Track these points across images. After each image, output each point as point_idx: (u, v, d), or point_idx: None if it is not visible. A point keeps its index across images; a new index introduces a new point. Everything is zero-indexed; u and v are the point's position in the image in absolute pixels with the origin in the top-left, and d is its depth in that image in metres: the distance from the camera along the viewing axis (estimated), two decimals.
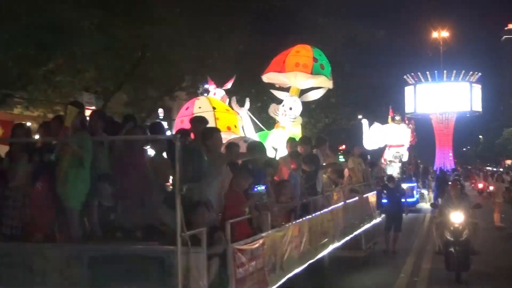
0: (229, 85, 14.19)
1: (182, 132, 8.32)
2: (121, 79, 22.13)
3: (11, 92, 19.49)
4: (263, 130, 14.56)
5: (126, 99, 23.87)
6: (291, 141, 11.67)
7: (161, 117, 27.56)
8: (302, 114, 14.36)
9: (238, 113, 13.24)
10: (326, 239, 11.15)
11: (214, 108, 12.26)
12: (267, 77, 14.38)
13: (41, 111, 20.85)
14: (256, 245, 7.75)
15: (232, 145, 9.33)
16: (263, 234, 8.10)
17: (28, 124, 17.26)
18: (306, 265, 9.73)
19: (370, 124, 31.55)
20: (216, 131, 8.62)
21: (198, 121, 8.88)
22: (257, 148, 9.73)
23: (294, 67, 13.64)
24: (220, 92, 13.73)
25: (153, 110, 25.87)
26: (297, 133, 13.63)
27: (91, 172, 7.36)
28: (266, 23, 26.34)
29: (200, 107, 12.33)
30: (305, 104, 14.98)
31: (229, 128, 12.00)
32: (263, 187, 8.61)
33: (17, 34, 16.23)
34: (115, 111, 20.80)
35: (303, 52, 13.91)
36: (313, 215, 10.55)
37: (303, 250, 9.74)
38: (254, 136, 13.06)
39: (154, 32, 19.55)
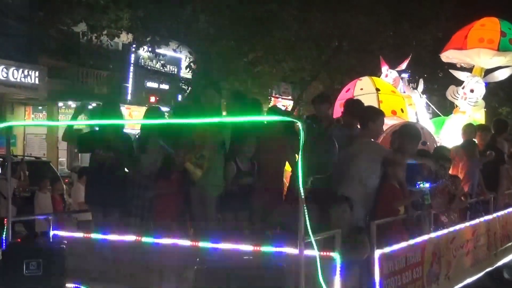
0: (403, 65, 12.97)
1: (310, 116, 7.54)
2: (318, 68, 22.75)
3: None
4: (439, 115, 13.24)
5: (322, 88, 24.16)
6: (466, 127, 9.99)
7: None
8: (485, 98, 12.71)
9: (411, 96, 11.96)
10: (510, 243, 9.72)
11: (377, 89, 10.91)
12: (446, 56, 12.91)
13: None
14: (413, 251, 6.58)
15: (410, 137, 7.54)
16: (423, 238, 6.88)
17: None
18: (481, 274, 8.46)
19: None
20: (381, 113, 7.30)
21: (352, 104, 7.91)
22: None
23: (477, 43, 12.08)
24: (393, 74, 12.44)
25: None
26: (479, 119, 12.01)
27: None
28: (470, 6, 24.44)
29: (361, 89, 11.04)
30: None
31: (394, 113, 10.56)
32: (427, 185, 6.91)
33: (222, 28, 17.40)
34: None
35: (489, 26, 12.28)
36: (495, 215, 9.18)
37: (479, 256, 8.48)
38: (428, 122, 11.66)
39: (352, 21, 19.53)
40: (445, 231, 7.48)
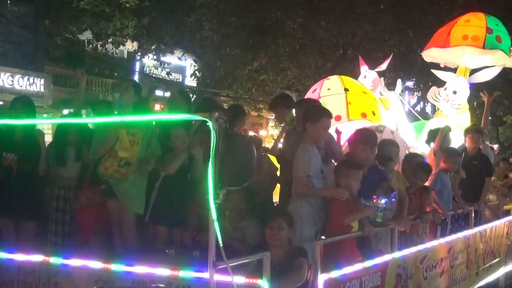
0: (384, 66, 11.83)
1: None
2: (322, 77, 22.52)
3: (218, 90, 21.10)
4: (418, 119, 12.42)
5: None
6: (430, 132, 9.18)
7: None
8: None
9: (388, 98, 10.97)
10: (494, 260, 9.14)
11: (346, 89, 9.76)
12: (428, 55, 11.78)
13: (245, 108, 22.27)
14: (370, 274, 5.68)
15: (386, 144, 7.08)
16: (383, 258, 6.02)
17: None
18: None
19: None
20: (324, 114, 6.07)
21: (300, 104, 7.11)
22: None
23: (461, 40, 10.91)
24: (372, 74, 11.33)
25: None
26: (464, 124, 10.74)
27: None
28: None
29: (329, 89, 9.82)
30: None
31: (364, 115, 9.45)
32: (383, 201, 5.90)
33: (227, 36, 17.47)
34: None
35: (474, 22, 11.16)
36: (476, 229, 8.43)
37: (456, 276, 7.70)
38: (407, 126, 10.90)
39: (357, 29, 19.45)
40: (413, 249, 6.64)
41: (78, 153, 6.68)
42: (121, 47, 21.14)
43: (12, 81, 20.50)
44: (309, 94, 10.12)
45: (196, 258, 5.65)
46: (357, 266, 5.52)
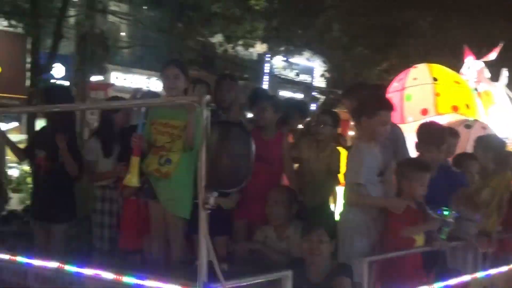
0: (492, 55, 10.42)
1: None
2: None
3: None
4: None
5: None
6: None
7: None
8: None
9: (491, 91, 9.82)
10: None
11: (435, 79, 8.67)
12: None
13: None
14: None
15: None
16: (460, 278, 5.00)
17: None
18: None
19: None
20: (384, 107, 5.11)
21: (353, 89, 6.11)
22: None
23: None
24: (477, 65, 10.11)
25: None
26: None
27: None
28: None
29: (415, 78, 8.80)
30: None
31: (455, 108, 8.36)
32: (451, 215, 4.87)
33: (356, 36, 17.36)
34: None
35: None
36: None
37: None
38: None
39: (493, 28, 18.87)
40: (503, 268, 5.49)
41: (123, 142, 5.85)
42: (251, 49, 21.47)
43: (149, 83, 21.36)
44: (393, 85, 9.19)
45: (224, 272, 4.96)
46: None
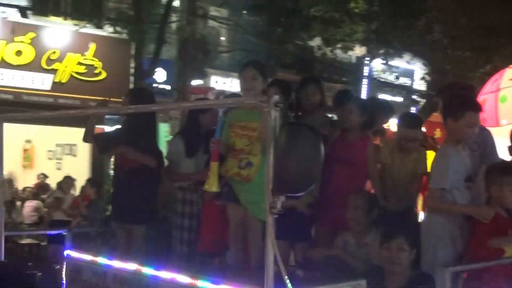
0: None
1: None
2: None
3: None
4: None
5: None
6: None
7: None
8: None
9: None
10: None
11: None
12: None
13: None
14: None
15: None
16: None
17: None
18: None
19: None
20: (471, 108, 4.79)
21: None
22: None
23: None
24: None
25: None
26: None
27: None
28: None
29: (511, 79, 8.29)
30: None
31: None
32: None
33: (458, 38, 16.91)
34: None
35: None
36: None
37: None
38: None
39: None
40: None
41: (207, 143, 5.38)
42: (350, 52, 21.30)
43: None
44: (488, 85, 8.69)
45: (298, 278, 4.47)
46: None
